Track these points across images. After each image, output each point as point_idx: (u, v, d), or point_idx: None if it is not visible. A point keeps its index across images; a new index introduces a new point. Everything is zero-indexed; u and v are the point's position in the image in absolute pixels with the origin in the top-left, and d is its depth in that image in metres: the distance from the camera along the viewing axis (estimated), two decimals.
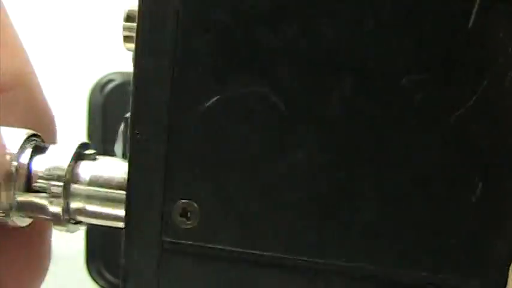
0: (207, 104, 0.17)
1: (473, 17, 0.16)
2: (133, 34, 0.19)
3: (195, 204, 0.18)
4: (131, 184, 0.18)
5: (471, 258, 0.17)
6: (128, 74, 0.60)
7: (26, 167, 0.20)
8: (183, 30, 0.17)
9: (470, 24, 0.16)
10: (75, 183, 0.20)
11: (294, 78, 0.17)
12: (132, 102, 0.18)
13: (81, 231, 0.62)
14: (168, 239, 0.19)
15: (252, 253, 0.18)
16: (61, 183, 0.20)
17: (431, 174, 0.17)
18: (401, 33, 0.17)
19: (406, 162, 0.17)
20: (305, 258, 0.18)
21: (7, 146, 0.19)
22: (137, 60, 0.18)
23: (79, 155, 0.20)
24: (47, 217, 0.20)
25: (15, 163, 0.20)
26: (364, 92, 0.17)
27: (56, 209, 0.20)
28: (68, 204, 0.20)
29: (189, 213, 0.18)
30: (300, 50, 0.17)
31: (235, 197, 0.18)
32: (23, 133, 0.20)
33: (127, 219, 0.19)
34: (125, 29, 0.22)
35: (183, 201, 0.18)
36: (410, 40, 0.17)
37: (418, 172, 0.17)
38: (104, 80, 0.57)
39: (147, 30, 0.18)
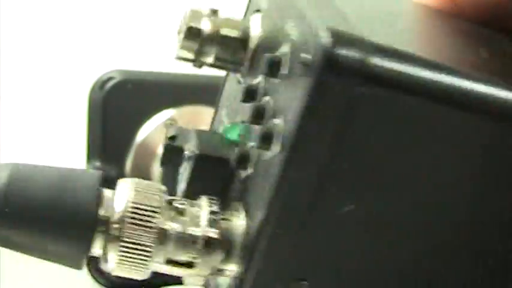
0: (342, 211, 0.19)
1: None
2: (192, 55, 0.21)
3: (309, 283, 0.20)
4: (260, 247, 0.19)
5: None
6: (127, 72, 0.60)
7: None
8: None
9: None
10: None
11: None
12: (281, 184, 0.19)
13: None
14: None
15: None
16: None
17: None
18: None
19: None
20: None
21: None
22: (289, 161, 0.19)
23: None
24: None
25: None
26: None
27: None
28: None
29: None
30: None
31: (341, 283, 0.20)
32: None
33: (245, 273, 0.20)
34: (183, 47, 0.22)
35: (304, 283, 0.20)
36: None
37: None
38: (104, 78, 0.57)
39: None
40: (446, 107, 0.18)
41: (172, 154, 0.23)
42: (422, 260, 0.20)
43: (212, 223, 0.20)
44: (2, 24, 0.73)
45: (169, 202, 0.20)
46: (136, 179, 0.20)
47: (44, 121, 0.66)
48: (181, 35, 0.22)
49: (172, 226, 0.20)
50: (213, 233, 0.20)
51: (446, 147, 0.19)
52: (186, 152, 0.22)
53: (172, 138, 0.23)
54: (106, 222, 0.19)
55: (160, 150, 0.22)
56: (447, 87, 0.18)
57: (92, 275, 0.58)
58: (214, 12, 0.23)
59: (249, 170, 0.21)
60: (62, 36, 0.78)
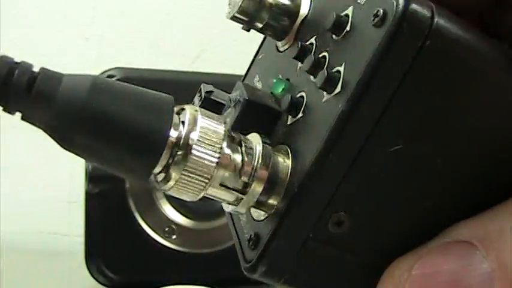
0: (394, 149, 0.21)
1: None
2: (247, 17, 0.24)
3: (349, 218, 0.22)
4: (307, 186, 0.21)
5: None
6: (128, 70, 0.60)
7: None
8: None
9: None
10: None
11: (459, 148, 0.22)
12: (337, 127, 0.21)
13: (81, 229, 0.62)
14: (314, 238, 0.22)
15: (369, 268, 0.22)
16: None
17: None
18: None
19: None
20: None
21: None
22: (356, 100, 0.20)
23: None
24: None
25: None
26: None
27: None
28: None
29: (341, 223, 0.22)
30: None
31: (379, 223, 0.22)
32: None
33: (287, 208, 0.21)
34: (242, 8, 0.24)
35: (341, 213, 0.21)
36: None
37: None
38: (104, 76, 0.57)
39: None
40: (494, 67, 0.21)
41: (210, 107, 0.24)
42: (449, 202, 0.22)
43: (265, 156, 0.22)
44: (2, 23, 0.73)
45: (229, 133, 0.22)
46: (202, 109, 0.22)
47: None
48: None
49: (233, 155, 0.21)
50: (264, 166, 0.22)
51: (493, 104, 0.22)
52: (233, 97, 0.24)
53: (209, 93, 0.25)
54: (175, 143, 0.21)
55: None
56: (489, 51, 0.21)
57: (92, 274, 0.58)
58: None
59: (299, 115, 0.23)
60: (62, 34, 0.78)
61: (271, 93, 0.25)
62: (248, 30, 0.25)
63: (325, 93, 0.21)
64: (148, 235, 0.58)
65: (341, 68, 0.21)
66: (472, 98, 0.21)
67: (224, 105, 0.25)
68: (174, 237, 0.58)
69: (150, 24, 0.80)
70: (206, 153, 0.21)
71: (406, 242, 0.22)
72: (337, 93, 0.21)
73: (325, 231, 0.22)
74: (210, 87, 0.25)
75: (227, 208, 0.23)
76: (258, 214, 0.22)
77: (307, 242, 0.22)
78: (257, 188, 0.22)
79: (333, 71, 0.22)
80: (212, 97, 0.25)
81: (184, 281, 0.53)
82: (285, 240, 0.22)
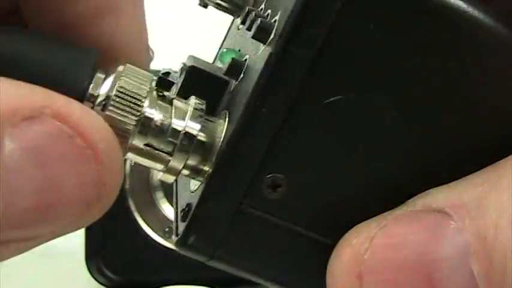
0: (330, 100, 0.19)
1: None
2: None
3: (285, 181, 0.20)
4: (234, 143, 0.20)
5: None
6: None
7: None
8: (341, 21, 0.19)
9: None
10: None
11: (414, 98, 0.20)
12: (266, 72, 0.19)
13: (81, 229, 0.62)
14: (248, 203, 0.20)
15: (313, 236, 0.20)
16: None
17: None
18: None
19: None
20: None
21: None
22: (280, 43, 0.19)
23: None
24: None
25: None
26: None
27: None
28: None
29: (277, 187, 0.20)
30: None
31: (319, 184, 0.20)
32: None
33: (215, 169, 0.20)
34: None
35: (276, 175, 0.20)
36: None
37: None
38: None
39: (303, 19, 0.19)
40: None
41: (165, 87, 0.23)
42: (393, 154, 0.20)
43: (196, 119, 0.20)
44: None
45: (161, 94, 0.21)
46: (132, 66, 0.21)
47: None
48: None
49: (156, 115, 0.20)
50: (194, 130, 0.20)
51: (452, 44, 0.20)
52: (181, 66, 0.24)
53: (166, 74, 0.24)
54: (93, 99, 0.20)
55: None
56: None
57: (92, 275, 0.58)
58: None
59: (240, 76, 0.21)
60: None
61: (222, 62, 0.24)
62: (205, 7, 0.25)
63: (261, 45, 0.20)
64: (148, 235, 0.58)
65: (277, 17, 0.20)
66: (422, 35, 0.19)
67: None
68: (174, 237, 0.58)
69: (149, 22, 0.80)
70: (122, 114, 0.20)
71: (362, 211, 0.20)
72: (270, 41, 0.20)
73: (259, 196, 0.20)
74: (169, 70, 0.25)
75: (159, 176, 0.21)
76: (195, 185, 0.21)
77: (240, 208, 0.20)
78: (183, 149, 0.20)
79: (270, 22, 0.20)
80: (169, 78, 0.24)
81: (184, 281, 0.53)
82: (214, 205, 0.20)
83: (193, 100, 0.21)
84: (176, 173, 0.20)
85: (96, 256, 0.57)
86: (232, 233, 0.20)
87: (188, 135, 0.20)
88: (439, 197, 0.19)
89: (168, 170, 0.20)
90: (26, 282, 0.59)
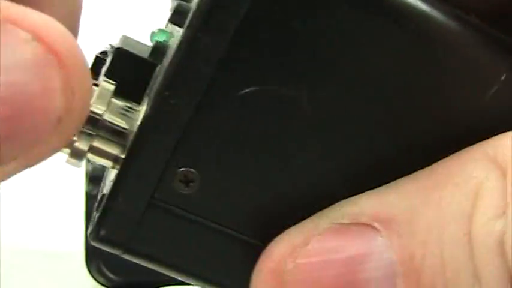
0: (244, 91, 0.18)
1: None
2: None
3: (198, 176, 0.19)
4: (144, 134, 0.19)
5: None
6: None
7: None
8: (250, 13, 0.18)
9: None
10: None
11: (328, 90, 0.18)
12: (175, 60, 0.18)
13: (81, 229, 0.62)
14: (159, 197, 0.19)
15: (234, 235, 0.19)
16: None
17: None
18: None
19: None
20: None
21: None
22: (190, 30, 0.18)
23: None
24: None
25: None
26: None
27: None
28: None
29: (189, 182, 0.19)
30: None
31: (238, 181, 0.19)
32: None
33: (124, 160, 0.19)
34: None
35: (188, 169, 0.19)
36: None
37: None
38: None
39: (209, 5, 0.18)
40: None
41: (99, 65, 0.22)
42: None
43: (103, 101, 0.19)
44: None
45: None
46: None
47: None
48: None
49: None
50: (99, 110, 0.19)
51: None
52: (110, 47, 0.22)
53: (102, 53, 0.23)
54: None
55: None
56: None
57: (92, 275, 0.58)
58: None
59: (163, 60, 0.20)
60: None
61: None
62: None
63: (181, 29, 0.19)
64: None
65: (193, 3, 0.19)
66: (342, 23, 0.18)
67: None
68: None
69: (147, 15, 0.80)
70: None
71: (291, 213, 0.19)
72: (187, 25, 0.18)
73: (171, 190, 0.19)
74: (107, 48, 0.23)
75: (65, 160, 0.20)
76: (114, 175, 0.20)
77: (151, 201, 0.19)
78: (86, 132, 0.19)
79: (189, 5, 0.19)
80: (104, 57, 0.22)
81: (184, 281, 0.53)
82: (124, 198, 0.19)
83: (102, 80, 0.20)
84: (80, 156, 0.19)
85: (96, 256, 0.57)
86: (144, 226, 0.19)
87: (91, 117, 0.19)
88: (367, 206, 0.18)
89: (72, 153, 0.19)
90: (26, 282, 0.59)
